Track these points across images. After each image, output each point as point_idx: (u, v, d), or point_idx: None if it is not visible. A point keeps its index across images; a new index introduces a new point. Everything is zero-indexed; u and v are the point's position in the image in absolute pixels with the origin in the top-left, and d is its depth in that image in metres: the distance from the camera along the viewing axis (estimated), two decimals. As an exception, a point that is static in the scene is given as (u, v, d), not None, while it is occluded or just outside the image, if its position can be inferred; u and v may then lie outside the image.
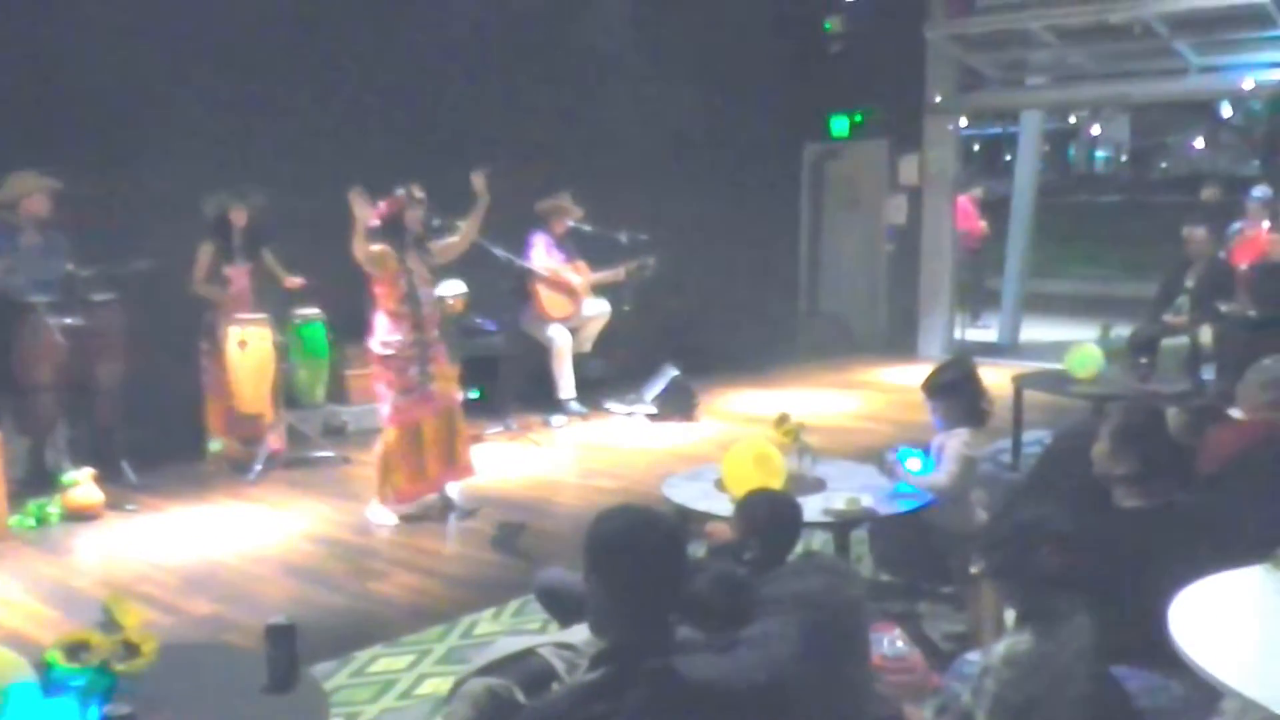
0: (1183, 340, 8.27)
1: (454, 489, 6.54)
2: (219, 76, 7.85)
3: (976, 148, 12.09)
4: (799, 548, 3.79)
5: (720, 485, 4.51)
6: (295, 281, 7.62)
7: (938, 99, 11.56)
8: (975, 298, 13.69)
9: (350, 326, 8.20)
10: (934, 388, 4.64)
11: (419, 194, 6.26)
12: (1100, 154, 37.26)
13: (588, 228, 9.13)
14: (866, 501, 4.30)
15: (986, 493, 4.72)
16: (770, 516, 3.42)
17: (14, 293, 6.67)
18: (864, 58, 11.78)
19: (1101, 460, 3.40)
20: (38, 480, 6.83)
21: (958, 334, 12.38)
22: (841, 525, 4.27)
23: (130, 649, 2.43)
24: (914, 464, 4.49)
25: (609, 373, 9.85)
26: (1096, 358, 6.87)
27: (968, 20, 11.28)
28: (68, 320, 6.67)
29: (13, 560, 5.84)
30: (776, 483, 4.32)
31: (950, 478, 4.43)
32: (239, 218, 7.44)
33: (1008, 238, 13.02)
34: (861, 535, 5.01)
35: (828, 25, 12.03)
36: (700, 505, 4.37)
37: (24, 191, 6.79)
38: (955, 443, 4.47)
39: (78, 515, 6.49)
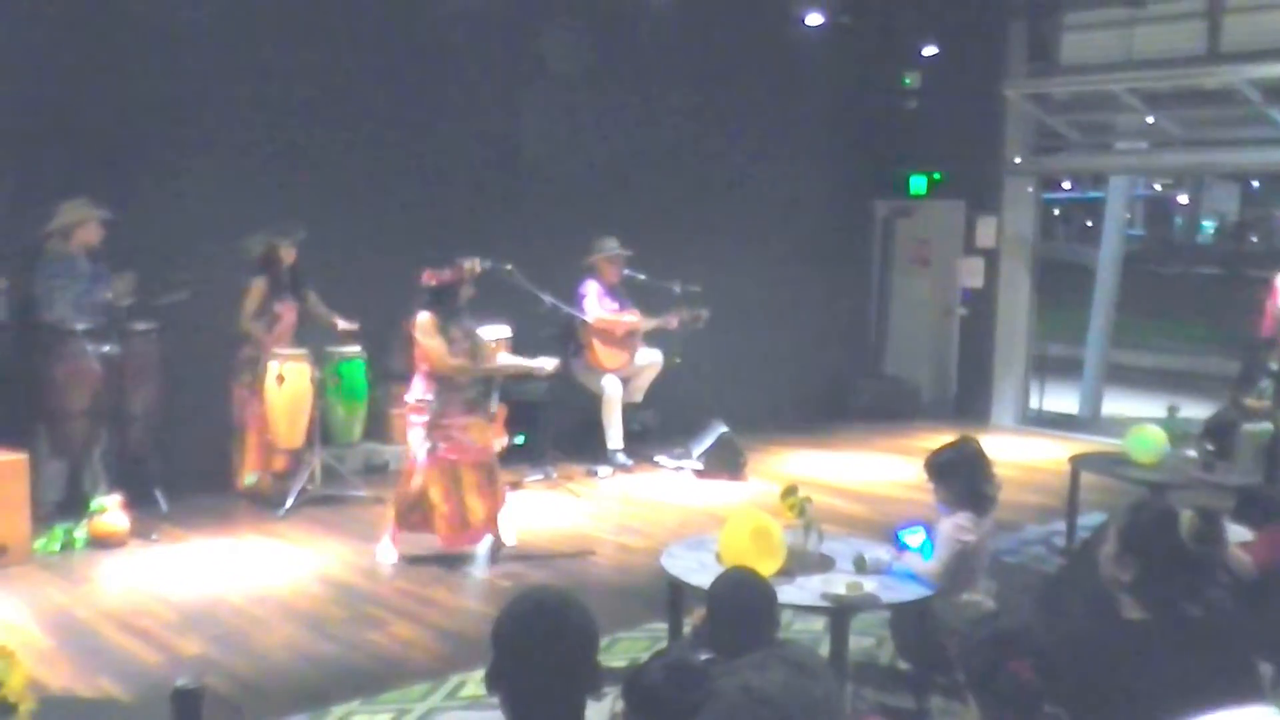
0: (1265, 427, 7.78)
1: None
2: (262, 115, 7.90)
3: (1057, 212, 11.66)
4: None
5: (719, 559, 4.28)
6: (348, 325, 7.59)
7: (1016, 160, 11.21)
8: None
9: (391, 366, 8.19)
10: (931, 467, 4.38)
11: (480, 269, 6.46)
12: (1206, 224, 36.08)
13: (641, 276, 9.00)
14: (870, 586, 4.04)
15: (997, 582, 4.41)
16: (734, 601, 3.19)
17: (57, 320, 6.73)
18: (941, 115, 11.48)
19: (1107, 564, 3.11)
20: (73, 504, 6.85)
21: (1034, 403, 11.92)
22: (839, 611, 4.00)
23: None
24: (914, 539, 4.22)
25: (659, 425, 9.65)
26: (1158, 440, 6.47)
27: (1049, 80, 10.94)
28: (105, 348, 6.72)
29: (27, 584, 5.84)
30: (775, 560, 4.10)
31: (939, 564, 4.17)
32: (288, 255, 7.45)
33: (1091, 306, 12.58)
34: (884, 617, 4.76)
35: (905, 80, 11.76)
36: (694, 579, 4.13)
37: (77, 220, 6.86)
38: (948, 526, 4.21)
39: (102, 542, 6.50)
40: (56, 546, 6.40)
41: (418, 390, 6.35)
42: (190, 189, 7.52)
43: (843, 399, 11.79)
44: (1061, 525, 6.91)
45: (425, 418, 6.28)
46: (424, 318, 6.28)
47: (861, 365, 12.22)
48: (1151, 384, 14.56)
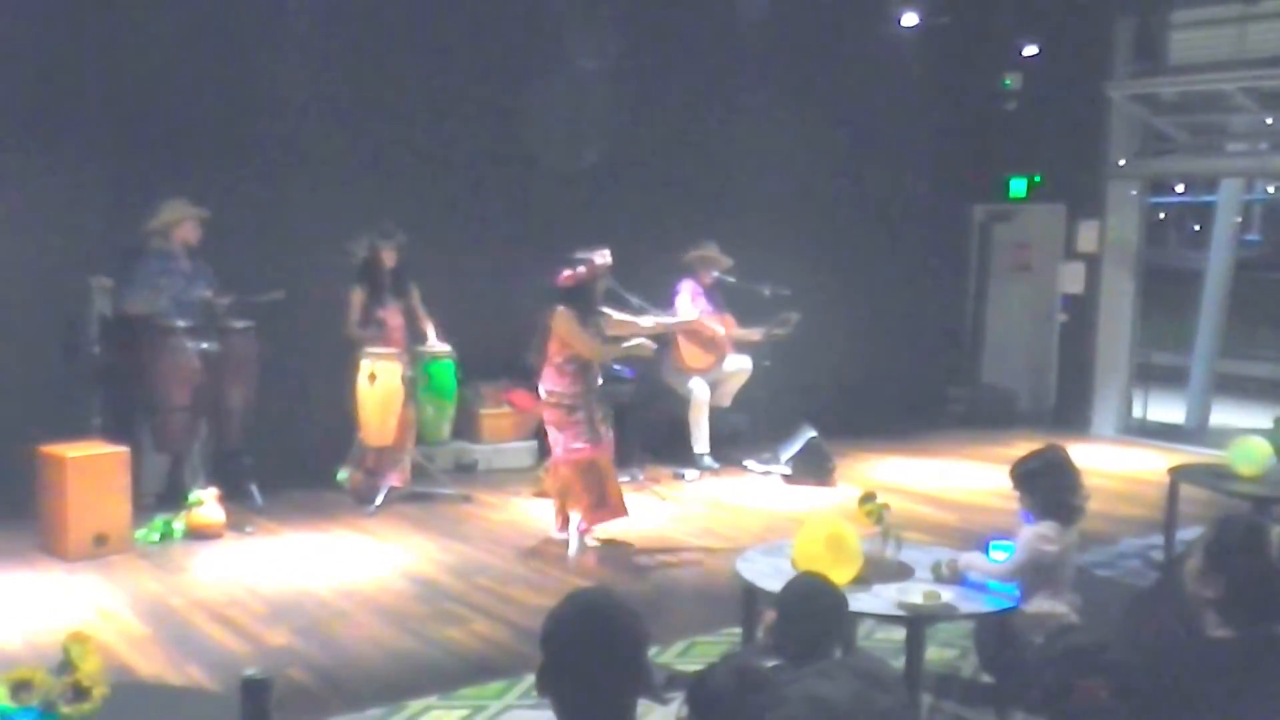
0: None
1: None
2: (361, 117, 8.07)
3: (1163, 216, 11.28)
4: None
5: (793, 565, 4.23)
6: (439, 348, 7.68)
7: (1120, 162, 10.89)
8: None
9: (481, 366, 8.28)
10: (1016, 474, 4.27)
11: (608, 261, 6.56)
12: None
13: (732, 279, 8.97)
14: (947, 596, 3.95)
15: (1082, 596, 4.27)
16: (803, 607, 3.14)
17: (158, 316, 6.95)
18: (1043, 117, 11.21)
19: (1192, 580, 2.99)
20: (173, 496, 7.07)
21: (1136, 412, 11.56)
22: (914, 620, 3.92)
23: (80, 692, 2.37)
24: (1000, 556, 4.12)
25: (750, 429, 9.60)
26: (1262, 453, 6.23)
27: (1156, 80, 10.61)
28: (204, 345, 6.91)
29: (126, 573, 6.04)
30: (850, 568, 4.04)
31: (1012, 566, 4.07)
32: (389, 257, 7.57)
33: (1199, 314, 12.15)
34: (969, 629, 4.67)
35: (1006, 82, 11.50)
36: (767, 584, 4.08)
37: (176, 219, 7.09)
38: (1029, 533, 4.10)
39: (199, 533, 6.68)
40: (156, 537, 6.60)
41: (549, 382, 6.52)
42: (289, 190, 7.71)
43: (938, 406, 11.60)
44: (1159, 539, 6.69)
45: (555, 402, 6.49)
46: (565, 313, 6.42)
47: (958, 372, 12.00)
48: (1266, 395, 14.02)
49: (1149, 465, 9.41)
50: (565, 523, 6.69)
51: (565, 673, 2.33)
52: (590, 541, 6.70)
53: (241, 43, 7.51)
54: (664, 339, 8.90)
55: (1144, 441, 10.88)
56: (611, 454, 6.74)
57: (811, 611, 3.15)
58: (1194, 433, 11.52)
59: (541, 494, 7.74)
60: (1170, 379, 12.64)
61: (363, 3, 7.98)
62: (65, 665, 2.45)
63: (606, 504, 6.60)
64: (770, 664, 3.15)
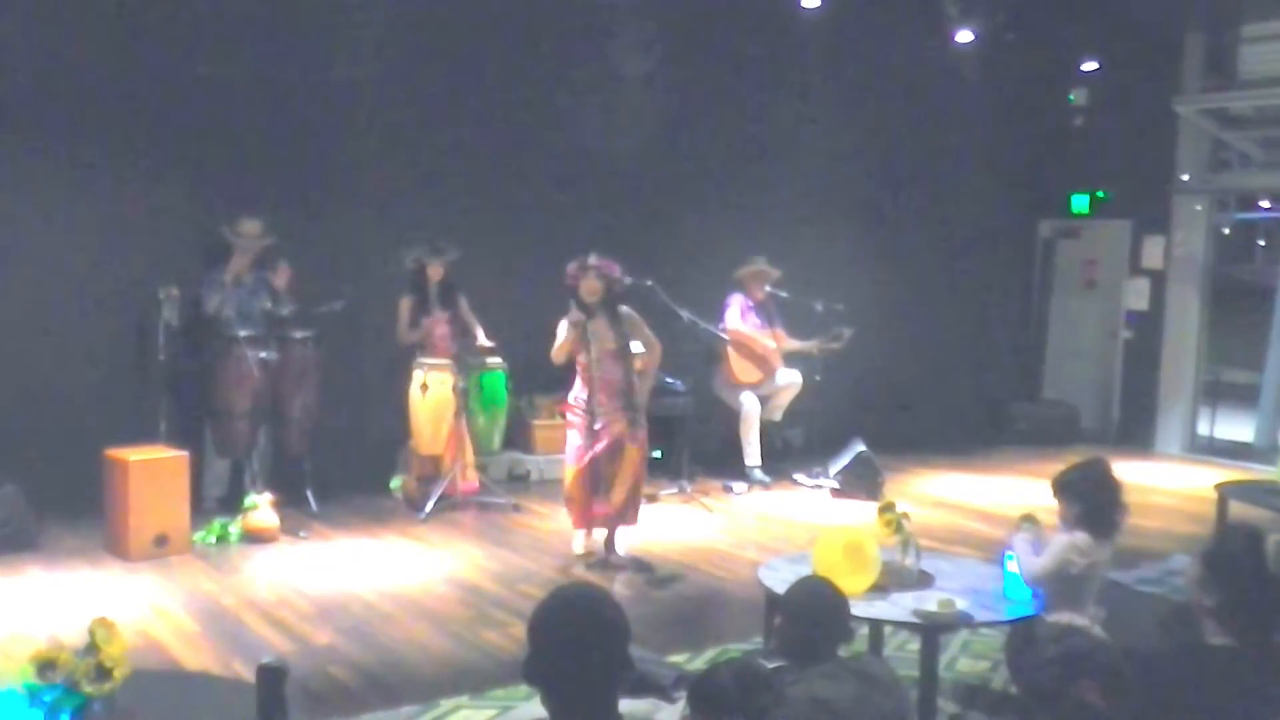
0: None
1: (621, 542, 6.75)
2: (420, 133, 8.29)
3: (1227, 231, 11.08)
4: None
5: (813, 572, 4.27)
6: (486, 344, 7.85)
7: (1186, 177, 10.73)
8: None
9: (533, 377, 8.42)
10: (1056, 484, 4.28)
11: (592, 262, 6.45)
12: None
13: (784, 294, 9.02)
14: (962, 604, 3.97)
15: (1105, 609, 4.26)
16: (805, 608, 3.20)
17: (222, 326, 7.21)
18: (1109, 132, 11.12)
19: (1192, 588, 3.01)
20: (234, 500, 7.30)
21: (1203, 430, 11.35)
22: (929, 629, 3.95)
23: (103, 672, 2.53)
24: (1011, 567, 4.13)
25: (800, 443, 9.62)
26: (1314, 470, 6.12)
27: (1226, 94, 10.45)
28: (264, 354, 7.14)
29: (182, 573, 6.26)
30: (868, 576, 4.08)
31: (1039, 569, 4.08)
32: (435, 272, 7.77)
33: (1272, 329, 11.90)
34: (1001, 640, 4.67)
35: (1071, 97, 11.42)
36: (787, 590, 4.14)
37: (242, 242, 7.36)
38: (1062, 539, 4.10)
39: (255, 537, 6.89)
40: (213, 539, 6.83)
41: (576, 387, 6.62)
42: (351, 204, 7.97)
43: (1000, 423, 11.50)
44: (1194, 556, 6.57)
45: (576, 406, 6.58)
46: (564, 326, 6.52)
47: (1020, 388, 11.89)
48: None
49: (1211, 483, 9.23)
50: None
51: (550, 663, 2.41)
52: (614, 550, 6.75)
53: (309, 66, 7.76)
54: (714, 353, 9.00)
55: (1211, 460, 10.69)
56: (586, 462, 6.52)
57: (813, 614, 3.21)
58: (1263, 451, 11.27)
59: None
60: (1245, 397, 12.38)
61: (419, 30, 8.18)
62: (90, 647, 2.61)
63: (609, 501, 6.56)
64: (774, 665, 3.22)
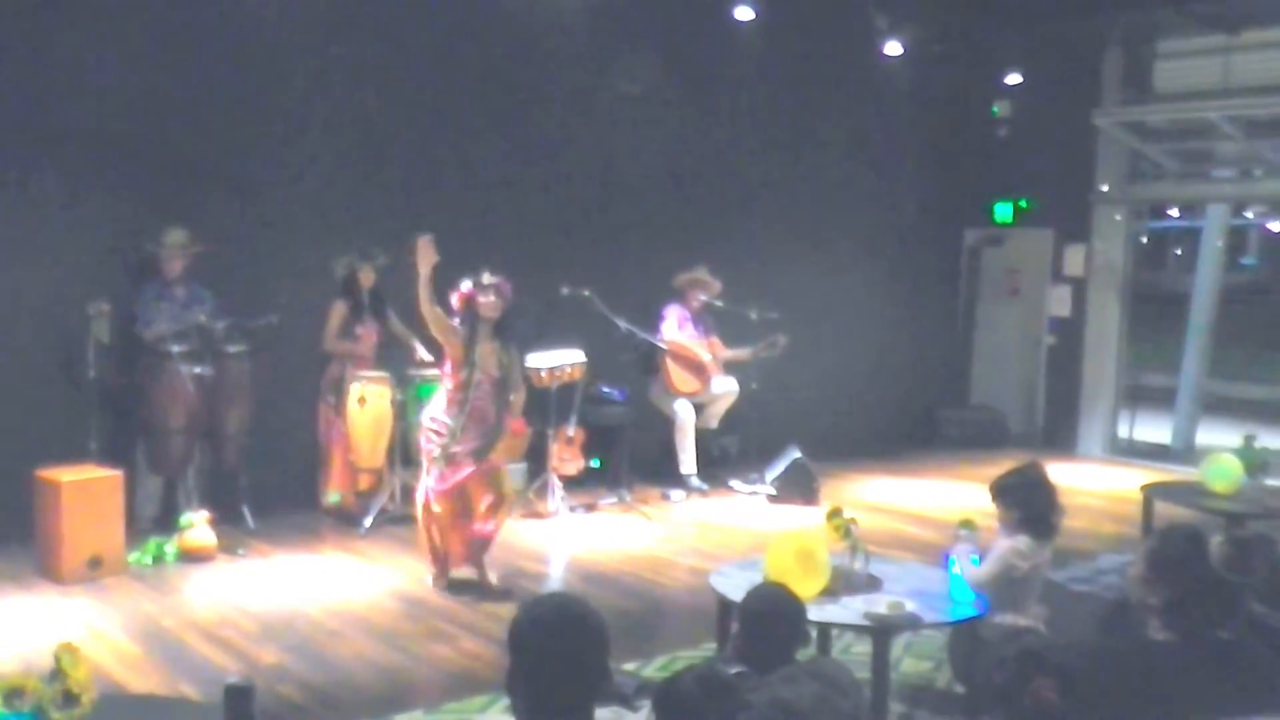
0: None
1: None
2: (352, 141, 8.20)
3: (1144, 239, 11.41)
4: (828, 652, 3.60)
5: (765, 578, 4.34)
6: (424, 357, 7.81)
7: (1105, 188, 11.06)
8: None
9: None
10: (995, 489, 4.40)
11: (489, 280, 6.14)
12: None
13: (719, 303, 9.11)
14: (911, 606, 4.07)
15: (1047, 609, 4.39)
16: (762, 614, 3.26)
17: (155, 341, 7.08)
18: (1031, 143, 11.42)
19: (1135, 586, 3.12)
20: (169, 519, 7.17)
21: (1123, 433, 11.68)
22: (879, 630, 4.04)
23: (70, 699, 2.49)
24: (956, 570, 4.25)
25: (736, 450, 9.72)
26: (1234, 469, 6.36)
27: (1143, 108, 10.79)
28: (199, 369, 7.03)
29: (119, 594, 6.14)
30: (819, 580, 4.16)
31: (984, 575, 4.19)
32: (366, 278, 7.73)
33: (1187, 335, 12.30)
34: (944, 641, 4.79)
35: (995, 110, 11.71)
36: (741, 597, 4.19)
37: (170, 252, 7.24)
38: (1004, 544, 4.22)
39: (192, 556, 6.77)
40: (149, 559, 6.68)
41: (436, 407, 6.22)
42: (281, 214, 7.85)
43: (930, 427, 11.72)
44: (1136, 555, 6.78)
45: (435, 429, 6.17)
46: (442, 320, 6.11)
47: (949, 394, 12.13)
48: (1259, 416, 14.12)
49: (1133, 484, 9.50)
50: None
51: (534, 671, 2.43)
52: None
53: (238, 74, 7.65)
54: (652, 362, 9.06)
55: (1130, 461, 11.00)
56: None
57: (771, 620, 3.28)
58: (1180, 453, 11.65)
59: (532, 515, 7.89)
60: (1165, 400, 12.78)
61: (356, 34, 8.12)
62: (56, 673, 2.57)
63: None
64: (734, 671, 3.27)
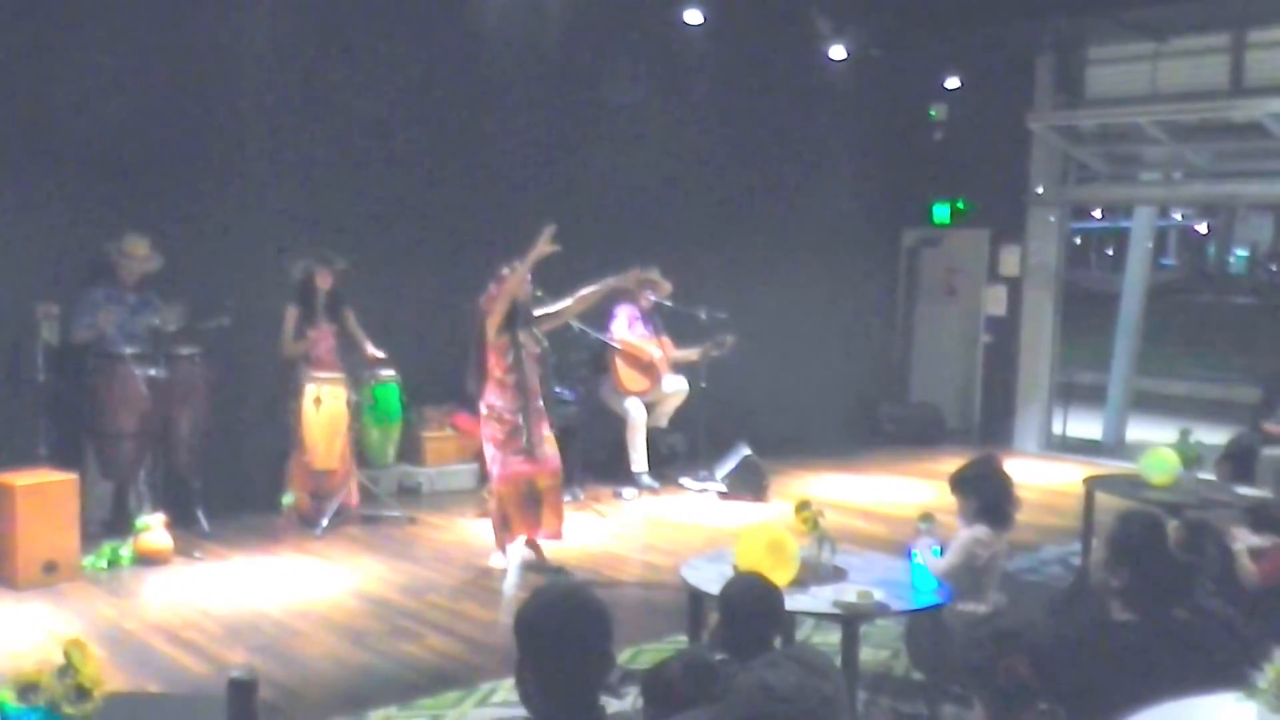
0: (1282, 451, 7.89)
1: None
2: (309, 144, 8.19)
3: (1079, 240, 11.78)
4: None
5: (736, 570, 4.46)
6: (376, 355, 7.83)
7: (1039, 190, 11.38)
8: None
9: (424, 390, 8.44)
10: (954, 482, 4.57)
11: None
12: (1240, 253, 35.92)
13: (669, 303, 9.23)
14: (879, 595, 4.21)
15: (1008, 596, 4.57)
16: (743, 603, 3.38)
17: (106, 344, 7.02)
18: (968, 146, 11.70)
19: (1098, 570, 3.29)
20: (120, 523, 7.11)
21: (1057, 429, 12.02)
22: (850, 619, 4.18)
23: (82, 693, 2.53)
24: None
25: (685, 448, 9.84)
26: (1171, 462, 6.60)
27: (1074, 113, 11.11)
28: (152, 372, 6.98)
29: (78, 600, 6.09)
30: (789, 571, 4.28)
31: (946, 565, 4.35)
32: (324, 281, 7.72)
33: (1115, 334, 12.67)
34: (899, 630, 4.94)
35: (932, 113, 11.98)
36: (712, 589, 4.30)
37: (126, 259, 7.19)
38: (965, 535, 4.39)
39: (148, 559, 6.73)
40: (104, 563, 6.64)
41: (490, 395, 6.71)
42: (235, 217, 7.82)
43: (870, 424, 11.96)
44: (1078, 545, 7.04)
45: (494, 416, 6.67)
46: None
47: (888, 391, 12.38)
48: (1183, 411, 14.57)
49: (1068, 478, 9.81)
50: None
51: (543, 659, 2.51)
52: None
53: (192, 75, 7.62)
54: (602, 361, 9.16)
55: (1064, 456, 11.32)
56: (554, 472, 6.84)
57: (751, 608, 3.39)
58: (1111, 447, 12.00)
59: (486, 515, 7.93)
60: (1094, 397, 13.16)
61: (309, 36, 8.12)
62: (67, 669, 2.61)
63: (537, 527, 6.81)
64: (718, 658, 3.38)
